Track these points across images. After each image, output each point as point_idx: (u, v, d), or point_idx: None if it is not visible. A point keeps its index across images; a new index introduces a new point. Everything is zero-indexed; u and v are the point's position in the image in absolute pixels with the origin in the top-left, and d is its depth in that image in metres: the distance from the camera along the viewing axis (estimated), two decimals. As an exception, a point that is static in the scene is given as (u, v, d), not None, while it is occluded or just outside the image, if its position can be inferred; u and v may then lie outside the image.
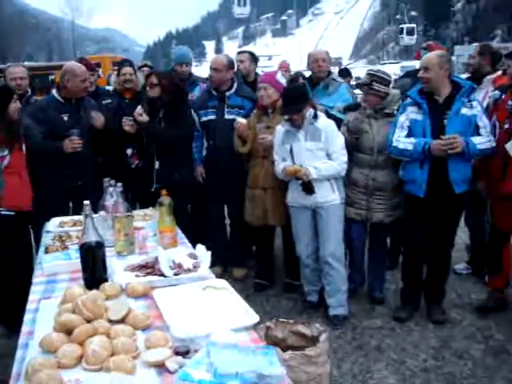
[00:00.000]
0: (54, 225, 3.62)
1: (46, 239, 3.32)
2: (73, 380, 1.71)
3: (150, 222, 3.57)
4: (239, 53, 6.04)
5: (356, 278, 4.82)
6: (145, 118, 4.61)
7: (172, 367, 1.77)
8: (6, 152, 3.83)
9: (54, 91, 4.64)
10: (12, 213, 3.85)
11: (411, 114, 4.14)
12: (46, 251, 3.03)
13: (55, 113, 4.47)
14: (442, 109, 4.05)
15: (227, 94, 5.08)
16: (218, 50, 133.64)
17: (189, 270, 2.63)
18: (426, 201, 4.12)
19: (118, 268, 2.67)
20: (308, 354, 2.71)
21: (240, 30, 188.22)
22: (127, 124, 4.77)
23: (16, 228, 3.90)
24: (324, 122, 4.20)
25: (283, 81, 4.65)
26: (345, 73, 9.40)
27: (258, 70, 6.20)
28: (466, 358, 3.84)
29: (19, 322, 2.23)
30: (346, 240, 4.46)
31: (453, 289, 4.90)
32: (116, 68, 6.21)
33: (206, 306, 2.26)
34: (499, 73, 4.88)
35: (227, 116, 5.02)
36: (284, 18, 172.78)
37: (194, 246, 2.95)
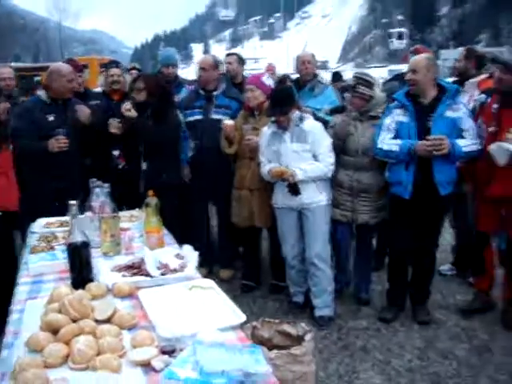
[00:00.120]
0: (39, 225, 3.60)
1: (32, 240, 3.30)
2: (59, 379, 1.71)
3: (136, 223, 3.56)
4: (227, 55, 6.10)
5: (341, 279, 4.84)
6: (133, 113, 4.61)
7: (158, 366, 1.77)
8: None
9: (40, 92, 4.63)
10: (-1, 213, 3.83)
11: (397, 117, 4.18)
12: (32, 252, 3.02)
13: (41, 113, 4.45)
14: (427, 111, 4.10)
15: (214, 93, 5.10)
16: (206, 53, 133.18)
17: (175, 271, 2.63)
18: (411, 202, 4.16)
19: (104, 268, 2.67)
20: (293, 352, 2.73)
21: (227, 33, 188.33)
22: (114, 126, 4.78)
23: (2, 228, 3.88)
24: (310, 124, 4.23)
25: (270, 83, 4.68)
26: (338, 77, 9.48)
27: (246, 73, 6.23)
28: (450, 357, 3.89)
29: (3, 322, 2.22)
30: (331, 241, 4.48)
31: (438, 290, 4.94)
32: (103, 70, 6.19)
33: (192, 305, 2.27)
34: (483, 76, 4.93)
35: (214, 116, 5.04)
36: (271, 21, 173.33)
37: (180, 247, 2.95)
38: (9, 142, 4.00)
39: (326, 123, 4.51)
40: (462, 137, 4.06)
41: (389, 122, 4.20)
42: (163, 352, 1.85)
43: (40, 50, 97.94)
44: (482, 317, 4.47)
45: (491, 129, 4.07)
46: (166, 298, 2.35)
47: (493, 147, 3.89)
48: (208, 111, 5.06)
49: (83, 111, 4.60)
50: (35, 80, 14.72)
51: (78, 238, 2.45)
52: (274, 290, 5.04)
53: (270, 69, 7.17)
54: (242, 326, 2.18)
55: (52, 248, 3.07)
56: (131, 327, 2.09)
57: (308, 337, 2.91)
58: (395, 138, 4.14)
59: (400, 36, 67.61)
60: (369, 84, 4.36)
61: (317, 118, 4.48)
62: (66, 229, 2.96)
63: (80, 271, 2.47)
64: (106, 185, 3.11)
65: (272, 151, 4.27)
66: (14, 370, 1.72)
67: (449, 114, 4.06)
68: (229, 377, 1.63)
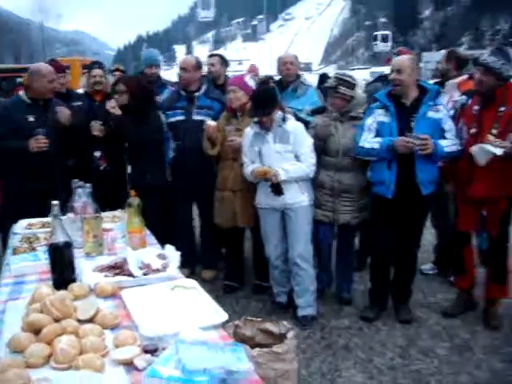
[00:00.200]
0: (21, 227, 3.58)
1: (14, 241, 3.29)
2: (41, 379, 1.71)
3: (119, 223, 3.56)
4: (210, 56, 6.08)
5: (323, 279, 4.86)
6: (117, 110, 4.62)
7: (140, 365, 1.78)
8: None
9: (21, 92, 4.61)
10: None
11: (379, 117, 4.21)
12: (14, 253, 3.00)
13: (20, 113, 4.43)
14: (408, 112, 4.14)
15: (196, 94, 5.10)
16: (189, 54, 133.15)
17: (158, 270, 2.64)
18: (393, 202, 4.19)
19: (86, 268, 2.67)
20: (276, 350, 2.75)
21: (210, 35, 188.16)
22: (96, 128, 4.78)
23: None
24: (293, 125, 4.25)
25: (252, 83, 4.69)
26: (325, 78, 9.46)
27: (229, 75, 6.23)
28: (431, 355, 3.93)
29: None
30: (313, 241, 4.51)
31: (419, 289, 4.99)
32: (86, 71, 6.17)
33: (174, 305, 2.27)
34: (462, 77, 4.99)
35: (196, 117, 5.04)
36: (254, 22, 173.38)
37: (163, 247, 2.96)
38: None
39: (307, 124, 4.53)
40: (444, 137, 4.11)
41: (370, 122, 4.23)
42: (146, 351, 1.86)
43: (22, 51, 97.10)
44: (463, 316, 4.51)
45: (472, 130, 4.12)
46: (149, 297, 2.35)
47: (474, 149, 3.94)
48: (190, 112, 5.06)
49: (63, 112, 4.58)
50: (17, 81, 14.59)
51: (60, 239, 2.44)
52: (257, 290, 5.05)
53: (253, 70, 7.17)
54: (224, 325, 2.19)
55: (34, 249, 3.06)
56: (114, 327, 2.10)
57: (290, 335, 2.92)
58: (377, 137, 4.17)
59: (385, 38, 68.00)
60: (349, 84, 4.39)
61: (298, 119, 4.50)
62: (48, 230, 2.95)
63: (62, 271, 2.46)
64: (88, 185, 3.11)
65: (255, 152, 4.28)
66: (-5, 371, 1.71)
67: (431, 114, 4.11)
68: (211, 375, 1.63)
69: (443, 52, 5.62)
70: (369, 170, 4.40)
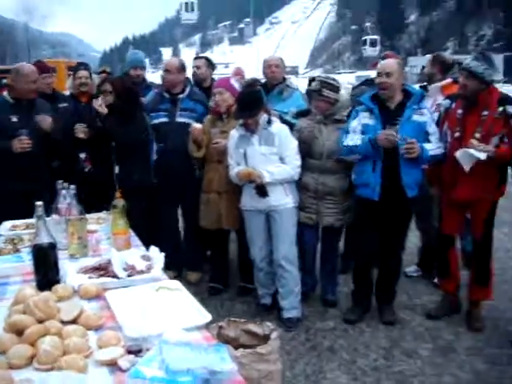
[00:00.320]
0: (5, 228, 3.56)
1: (-3, 242, 3.27)
2: (24, 380, 1.70)
3: (103, 225, 3.54)
4: (196, 58, 6.07)
5: (308, 282, 4.86)
6: (104, 109, 4.62)
7: (124, 365, 1.78)
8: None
9: (5, 93, 4.59)
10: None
11: (363, 119, 4.24)
12: (-2, 254, 2.99)
13: (4, 114, 4.41)
14: (393, 115, 4.17)
15: (179, 97, 5.10)
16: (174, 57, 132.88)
17: (142, 272, 2.63)
18: (378, 204, 4.21)
19: (70, 270, 2.65)
20: (259, 351, 2.76)
21: (197, 38, 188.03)
22: (80, 131, 4.78)
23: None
24: (278, 127, 4.26)
25: (237, 85, 4.71)
26: None
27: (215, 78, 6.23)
28: (415, 357, 3.96)
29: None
30: (298, 243, 4.52)
31: (404, 291, 5.02)
32: (71, 73, 6.16)
33: (158, 306, 2.27)
34: (446, 81, 5.04)
35: (179, 119, 5.04)
36: (241, 26, 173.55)
37: (147, 249, 2.96)
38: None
39: (292, 126, 4.55)
40: (428, 140, 4.15)
41: (355, 124, 4.26)
42: (129, 352, 1.86)
43: (7, 51, 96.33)
44: (446, 318, 4.54)
45: (456, 134, 4.16)
46: (133, 299, 2.35)
47: (458, 154, 3.98)
48: (173, 114, 5.06)
49: (44, 120, 4.55)
50: (2, 82, 14.49)
51: (44, 240, 2.43)
52: (242, 292, 5.05)
53: (239, 73, 7.17)
54: (207, 326, 2.20)
55: (18, 250, 3.04)
56: (98, 328, 2.09)
57: (273, 335, 2.93)
58: None
59: (373, 43, 68.50)
60: (333, 87, 4.42)
61: (283, 121, 4.52)
62: (32, 231, 2.93)
63: (46, 273, 2.45)
64: (73, 187, 3.10)
65: (240, 154, 4.29)
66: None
67: (415, 117, 4.15)
68: (194, 375, 1.64)
69: (429, 56, 5.67)
70: (353, 172, 4.43)
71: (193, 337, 1.96)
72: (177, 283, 2.51)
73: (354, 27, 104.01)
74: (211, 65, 5.95)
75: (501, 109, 4.00)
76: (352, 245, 5.16)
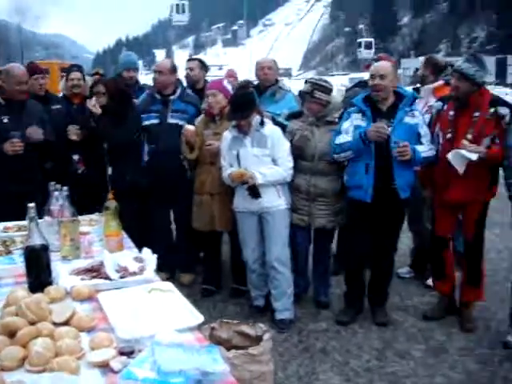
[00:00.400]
0: (-3, 230, 3.55)
1: (-11, 244, 3.25)
2: (15, 381, 1.70)
3: (96, 227, 3.54)
4: (189, 60, 6.08)
5: (300, 283, 4.87)
6: (98, 110, 4.63)
7: (116, 367, 1.77)
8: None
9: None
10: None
11: (356, 121, 4.25)
12: (-11, 256, 2.98)
13: None
14: (385, 117, 4.19)
15: (171, 98, 5.10)
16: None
17: (134, 273, 2.63)
18: (370, 206, 4.23)
19: (63, 272, 2.65)
20: (251, 352, 2.76)
21: (190, 39, 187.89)
22: (73, 132, 4.78)
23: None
24: (270, 129, 4.28)
25: (230, 87, 4.72)
26: None
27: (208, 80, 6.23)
28: (407, 358, 3.97)
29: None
30: (291, 245, 4.53)
31: (396, 292, 5.04)
32: (64, 74, 6.14)
33: (151, 307, 2.27)
34: (438, 83, 5.06)
35: (170, 120, 5.04)
36: (235, 28, 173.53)
37: (140, 250, 2.95)
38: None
39: (284, 128, 4.56)
40: (420, 142, 4.18)
41: (347, 125, 4.27)
42: (122, 353, 1.86)
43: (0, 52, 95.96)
44: (439, 318, 4.56)
45: (448, 135, 4.18)
46: (126, 300, 2.34)
47: (450, 155, 4.00)
48: (164, 116, 5.06)
49: (35, 132, 4.50)
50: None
51: (36, 241, 2.42)
52: (235, 293, 5.06)
53: (231, 75, 7.18)
54: (200, 328, 2.20)
55: (10, 252, 3.03)
56: (90, 329, 2.09)
57: (266, 336, 2.94)
58: None
59: (368, 45, 68.80)
60: (325, 89, 4.44)
61: (276, 123, 4.54)
62: (25, 233, 2.92)
63: (38, 275, 2.44)
64: (65, 188, 3.09)
65: (233, 155, 4.30)
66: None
67: (407, 120, 4.17)
68: (186, 376, 1.64)
69: (422, 59, 5.69)
70: (345, 174, 4.44)
71: (185, 338, 1.96)
72: (169, 285, 2.51)
73: (347, 29, 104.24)
74: (204, 67, 5.96)
75: (492, 110, 4.03)
76: (344, 246, 5.17)
